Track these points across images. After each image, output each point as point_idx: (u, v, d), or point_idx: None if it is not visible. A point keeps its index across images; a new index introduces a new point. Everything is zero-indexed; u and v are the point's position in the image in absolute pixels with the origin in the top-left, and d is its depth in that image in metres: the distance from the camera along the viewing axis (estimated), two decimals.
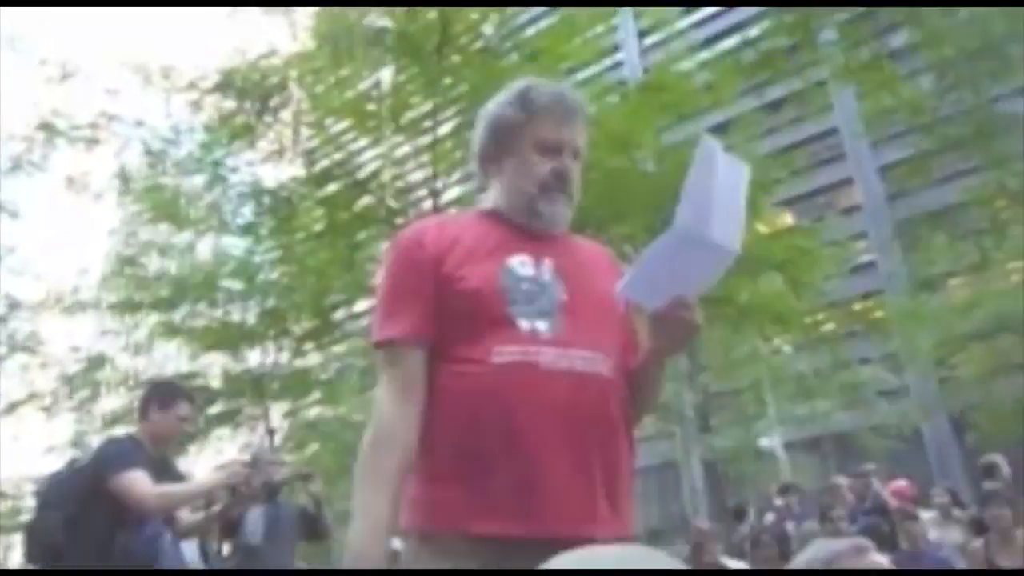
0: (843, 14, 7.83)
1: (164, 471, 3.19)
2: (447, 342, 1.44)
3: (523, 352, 1.39)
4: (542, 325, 1.42)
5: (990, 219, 11.74)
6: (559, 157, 1.56)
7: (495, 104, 1.63)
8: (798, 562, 1.82)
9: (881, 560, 1.79)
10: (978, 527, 5.77)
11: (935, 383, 21.88)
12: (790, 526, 7.47)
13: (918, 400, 22.19)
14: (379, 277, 1.58)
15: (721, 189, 1.35)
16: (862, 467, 7.91)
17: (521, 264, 1.48)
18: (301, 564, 5.89)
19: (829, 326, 19.94)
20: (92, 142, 12.10)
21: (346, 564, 1.30)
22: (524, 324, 1.41)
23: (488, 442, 1.35)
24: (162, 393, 3.40)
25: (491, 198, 1.62)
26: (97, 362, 18.20)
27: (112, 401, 18.63)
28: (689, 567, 0.82)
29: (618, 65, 27.66)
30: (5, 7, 14.07)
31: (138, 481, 2.96)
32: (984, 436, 18.14)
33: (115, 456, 3.08)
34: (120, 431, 17.80)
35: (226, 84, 11.77)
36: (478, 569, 1.31)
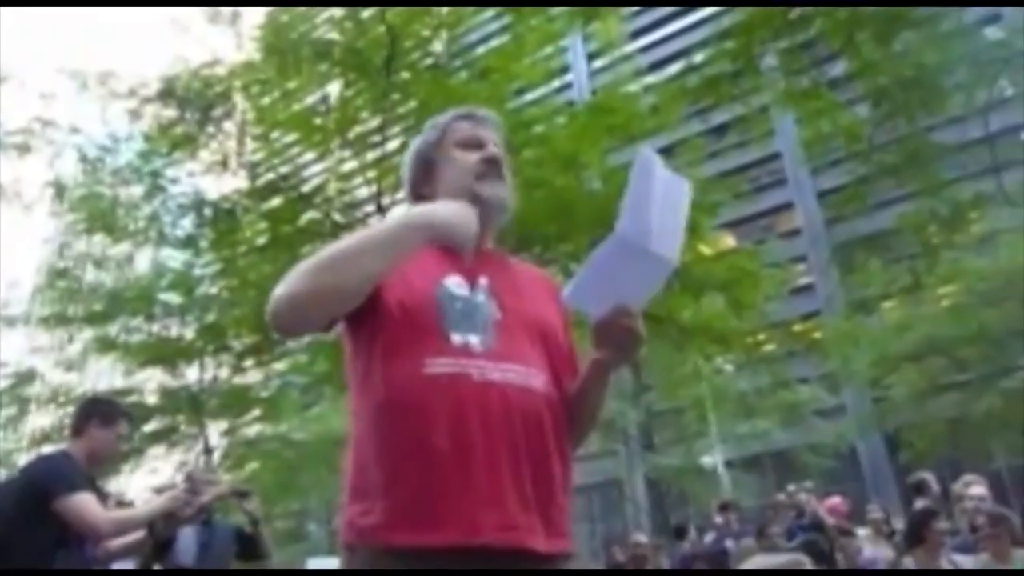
0: (783, 42, 8.07)
1: (94, 490, 3.09)
2: (379, 358, 1.42)
3: (455, 364, 1.38)
4: (475, 339, 1.42)
5: (922, 244, 12.16)
6: (484, 148, 1.62)
7: (412, 145, 1.72)
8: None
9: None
10: (908, 542, 5.91)
11: (870, 402, 22.50)
12: (729, 543, 7.56)
13: (854, 419, 22.80)
14: None
15: (661, 201, 1.37)
16: (800, 485, 8.05)
17: (456, 285, 1.48)
18: None
19: (769, 346, 20.38)
20: (24, 149, 11.69)
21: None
22: (457, 338, 1.41)
23: (417, 452, 1.33)
24: (104, 410, 3.29)
25: None
26: (26, 378, 17.58)
27: (41, 418, 17.99)
28: None
29: (567, 87, 28.03)
30: None
31: (90, 504, 2.89)
32: (916, 454, 18.72)
33: (60, 476, 2.97)
34: (49, 448, 17.16)
35: (167, 92, 11.51)
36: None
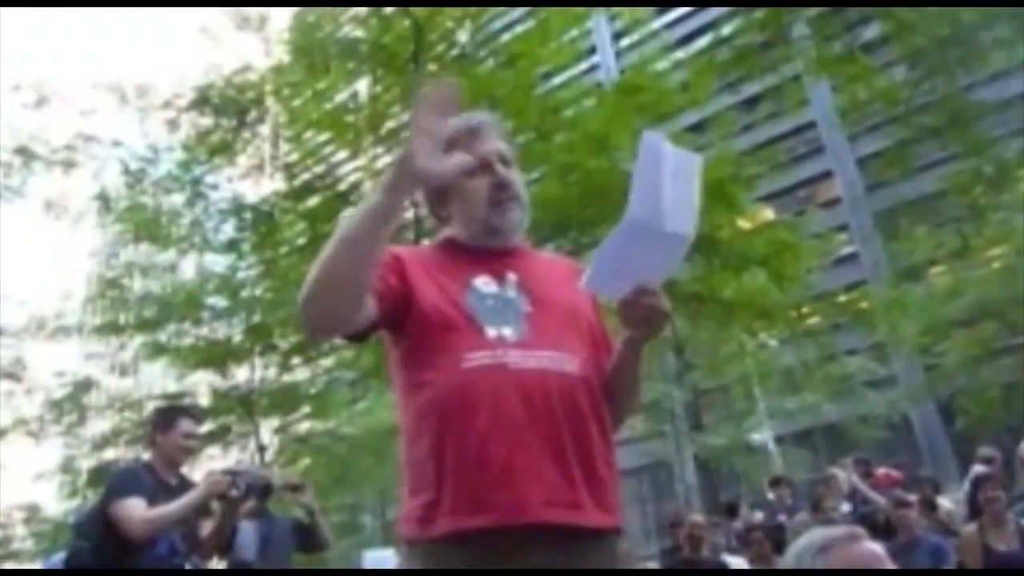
0: (813, 9, 7.91)
1: (182, 492, 3.21)
2: (420, 359, 1.48)
3: (491, 355, 1.42)
4: (508, 331, 1.46)
5: (969, 206, 11.85)
6: (490, 169, 1.61)
7: None
8: (793, 550, 1.83)
9: (875, 547, 1.79)
10: (971, 511, 5.82)
11: (921, 371, 22.04)
12: (782, 518, 7.48)
13: (905, 388, 22.36)
14: None
15: (671, 178, 1.39)
16: (840, 462, 7.86)
17: (485, 284, 1.53)
18: None
19: (814, 319, 20.08)
20: (69, 164, 12.01)
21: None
22: (491, 332, 1.46)
23: (459, 439, 1.38)
24: (161, 417, 3.48)
25: (449, 231, 1.67)
26: (83, 386, 18.08)
27: (100, 424, 18.52)
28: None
29: (594, 68, 27.81)
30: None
31: (130, 508, 3.01)
32: (972, 421, 18.32)
33: (116, 484, 3.17)
34: (110, 453, 17.69)
35: (202, 101, 11.72)
36: (479, 569, 1.33)
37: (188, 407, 3.78)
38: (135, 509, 3.01)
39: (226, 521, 3.32)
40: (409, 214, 12.80)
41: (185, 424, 3.35)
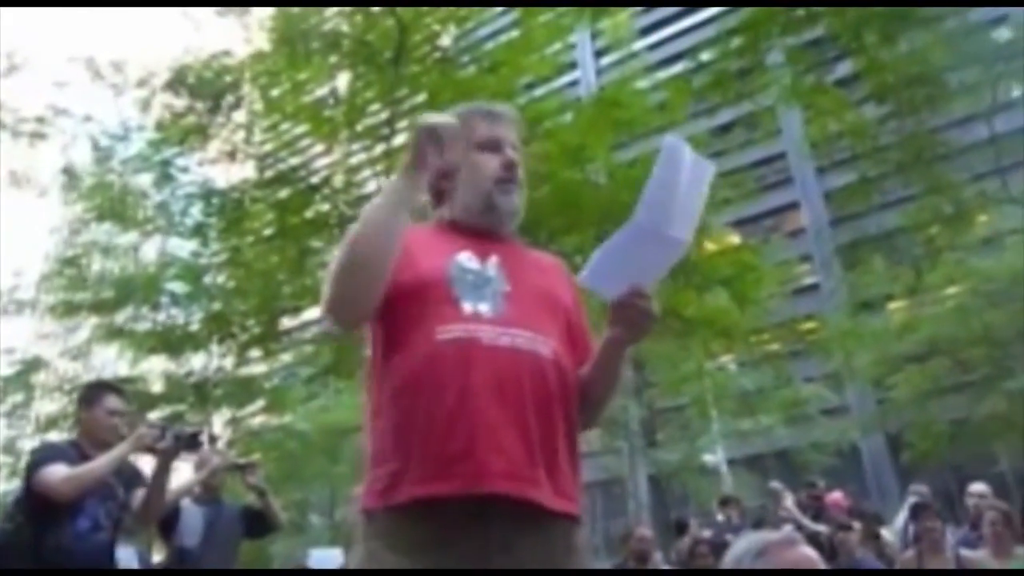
0: (790, 39, 8.08)
1: (120, 474, 3.13)
2: (396, 330, 1.49)
3: (465, 329, 1.44)
4: (484, 307, 1.48)
5: (926, 244, 12.15)
6: (502, 151, 1.64)
7: None
8: (731, 553, 1.86)
9: (810, 552, 1.83)
10: (904, 540, 5.98)
11: (873, 402, 22.45)
12: (729, 537, 7.56)
13: (858, 418, 22.76)
14: None
15: (685, 185, 1.42)
16: (774, 486, 7.95)
17: (467, 259, 1.55)
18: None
19: (774, 345, 20.35)
20: (37, 136, 11.77)
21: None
22: (467, 307, 1.47)
23: (426, 408, 1.39)
24: (84, 394, 3.36)
25: (444, 211, 1.69)
26: (33, 365, 17.67)
27: (47, 405, 18.10)
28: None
29: (574, 83, 28.02)
30: None
31: (51, 473, 2.92)
32: (918, 455, 18.69)
33: (37, 458, 3.05)
34: (54, 436, 17.25)
35: (178, 81, 11.58)
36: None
37: (114, 384, 3.64)
38: (56, 472, 2.92)
39: (159, 479, 3.19)
40: (371, 184, 12.79)
41: (110, 401, 3.24)
